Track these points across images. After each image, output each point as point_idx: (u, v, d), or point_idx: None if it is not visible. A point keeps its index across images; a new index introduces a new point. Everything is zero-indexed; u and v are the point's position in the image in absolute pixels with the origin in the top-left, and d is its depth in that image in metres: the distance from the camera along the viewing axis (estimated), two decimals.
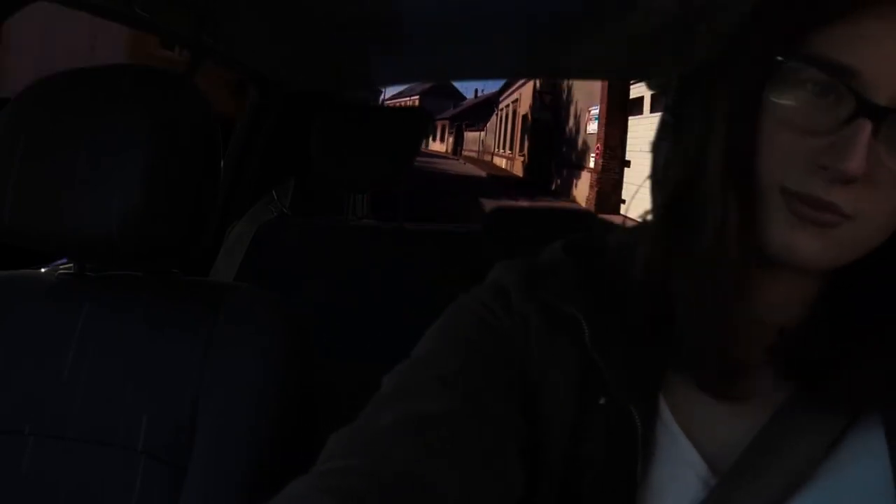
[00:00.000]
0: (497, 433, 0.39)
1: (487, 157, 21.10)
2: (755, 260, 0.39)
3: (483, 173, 17.70)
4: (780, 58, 0.37)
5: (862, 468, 0.40)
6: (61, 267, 0.73)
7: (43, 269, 0.75)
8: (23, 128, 0.64)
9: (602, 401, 0.41)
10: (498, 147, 19.97)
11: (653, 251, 0.42)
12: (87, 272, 0.72)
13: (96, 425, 0.64)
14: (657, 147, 0.45)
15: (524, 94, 17.34)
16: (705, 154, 0.39)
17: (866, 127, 0.35)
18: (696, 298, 0.40)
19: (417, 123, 1.58)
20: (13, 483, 0.63)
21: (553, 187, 14.43)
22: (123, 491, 0.62)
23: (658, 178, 0.44)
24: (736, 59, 0.40)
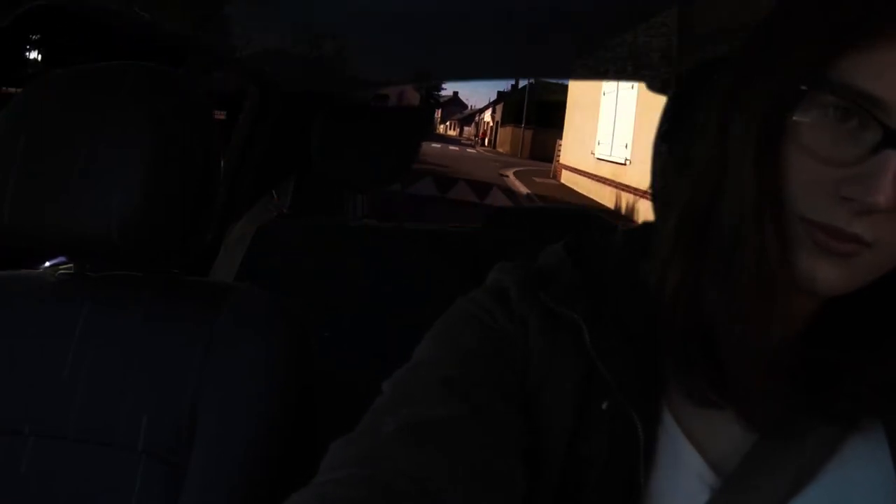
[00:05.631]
0: (500, 437, 0.39)
1: (472, 138, 49.64)
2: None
3: (467, 140, 45.14)
4: (803, 87, 0.36)
5: (864, 472, 0.40)
6: (61, 267, 0.73)
7: (42, 268, 0.75)
8: (23, 127, 0.64)
9: (605, 405, 0.41)
10: (473, 133, 50.94)
11: (682, 275, 0.41)
12: (87, 272, 0.72)
13: (96, 425, 0.64)
14: (661, 150, 0.45)
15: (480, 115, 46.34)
16: (728, 179, 0.39)
17: (893, 157, 0.34)
18: (740, 322, 0.38)
19: (418, 123, 1.58)
20: (13, 483, 0.63)
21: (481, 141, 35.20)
22: (123, 491, 0.62)
23: (661, 189, 0.44)
24: (756, 83, 0.39)
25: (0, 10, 0.82)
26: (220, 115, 1.80)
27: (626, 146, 10.86)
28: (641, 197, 9.02)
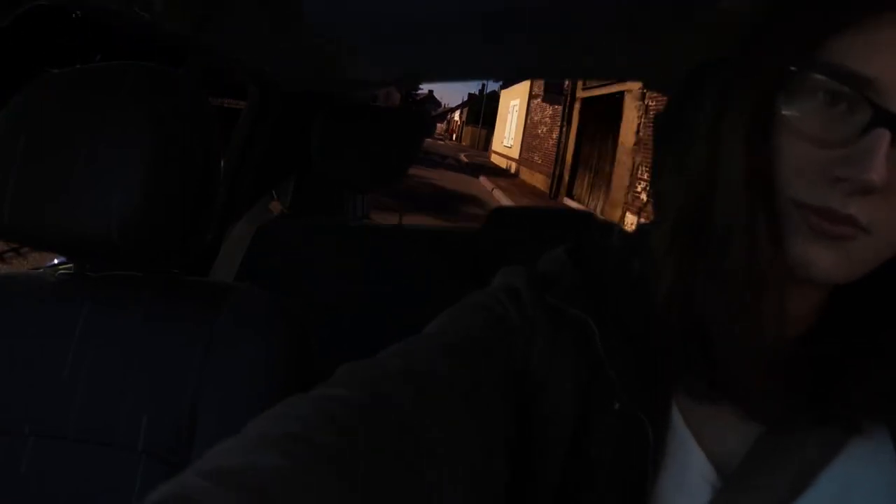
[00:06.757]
0: (489, 414, 0.39)
1: (443, 133, 55.01)
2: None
3: (439, 136, 46.77)
4: (793, 68, 0.36)
5: (866, 473, 0.40)
6: (61, 267, 0.73)
7: (43, 268, 0.75)
8: (23, 127, 0.64)
9: (616, 406, 0.41)
10: (444, 129, 55.85)
11: (678, 275, 0.41)
12: (87, 272, 0.72)
13: (96, 425, 0.64)
14: (658, 153, 0.45)
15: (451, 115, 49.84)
16: (719, 169, 0.39)
17: (885, 136, 0.34)
18: (732, 318, 0.38)
19: (417, 123, 1.58)
20: (13, 484, 0.63)
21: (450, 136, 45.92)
22: (123, 491, 0.62)
23: (661, 188, 0.44)
24: (747, 69, 0.39)
25: (0, 10, 0.82)
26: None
27: (512, 138, 21.90)
28: (510, 161, 20.85)
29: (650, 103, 8.81)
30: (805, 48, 0.36)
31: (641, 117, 9.10)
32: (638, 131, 9.16)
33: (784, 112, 0.37)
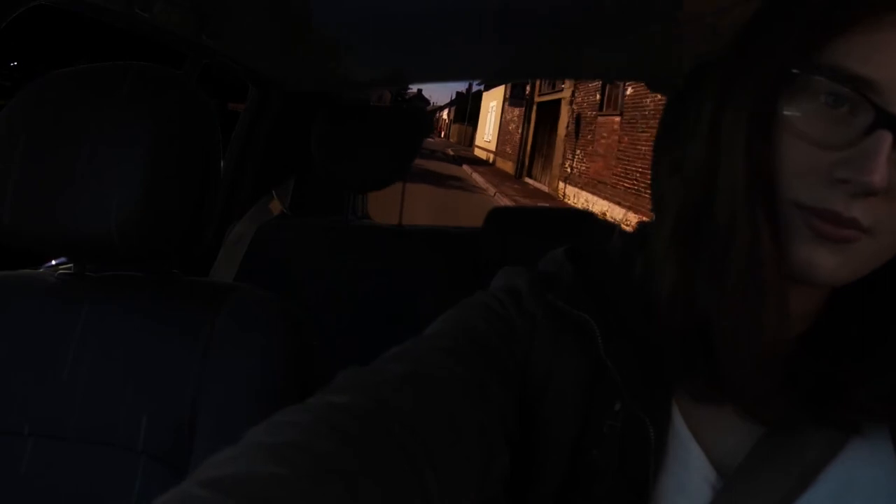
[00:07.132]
0: (491, 414, 0.39)
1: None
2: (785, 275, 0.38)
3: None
4: (795, 70, 0.36)
5: (866, 473, 0.40)
6: (61, 267, 0.73)
7: (43, 268, 0.75)
8: (23, 127, 0.64)
9: (617, 406, 0.41)
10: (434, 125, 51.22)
11: (678, 275, 0.41)
12: (87, 272, 0.72)
13: (96, 425, 0.64)
14: (659, 154, 0.45)
15: (440, 113, 51.88)
16: (720, 170, 0.38)
17: (887, 138, 0.34)
18: (733, 319, 0.38)
19: (417, 123, 1.58)
20: (12, 484, 0.63)
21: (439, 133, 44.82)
22: (123, 491, 0.62)
23: (660, 189, 0.44)
24: (747, 71, 0.38)
25: (0, 10, 0.82)
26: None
27: (491, 133, 25.53)
28: (489, 153, 24.69)
29: (574, 107, 13.26)
30: (806, 49, 0.36)
31: (569, 117, 13.52)
32: (567, 126, 13.56)
33: (785, 113, 0.37)
